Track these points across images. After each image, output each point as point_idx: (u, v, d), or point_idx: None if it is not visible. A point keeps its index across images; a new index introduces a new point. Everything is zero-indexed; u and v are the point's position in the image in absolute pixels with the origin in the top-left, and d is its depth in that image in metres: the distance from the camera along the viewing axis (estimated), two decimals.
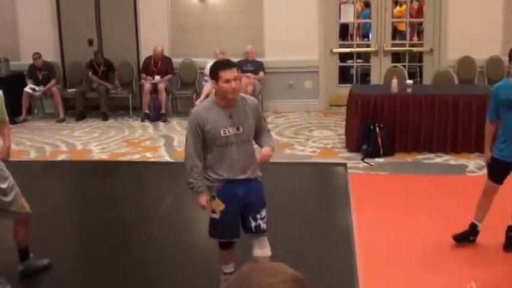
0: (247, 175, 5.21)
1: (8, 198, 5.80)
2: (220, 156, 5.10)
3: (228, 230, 5.32)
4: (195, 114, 5.13)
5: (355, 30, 14.90)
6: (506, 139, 6.23)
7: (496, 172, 6.38)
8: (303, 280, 1.90)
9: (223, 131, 5.02)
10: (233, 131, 5.05)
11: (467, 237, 6.51)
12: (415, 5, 15.22)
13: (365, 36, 15.45)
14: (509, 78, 6.34)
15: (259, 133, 5.32)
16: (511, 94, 6.17)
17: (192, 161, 5.13)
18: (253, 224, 5.25)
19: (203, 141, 5.09)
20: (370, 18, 14.84)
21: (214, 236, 5.45)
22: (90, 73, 13.67)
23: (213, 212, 5.27)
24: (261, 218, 5.26)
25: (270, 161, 5.30)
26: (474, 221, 6.49)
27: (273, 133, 10.56)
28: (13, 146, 6.13)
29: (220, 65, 5.06)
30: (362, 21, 15.26)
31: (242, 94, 5.29)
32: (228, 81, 4.93)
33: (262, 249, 5.31)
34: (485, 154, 6.55)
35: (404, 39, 14.59)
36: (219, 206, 5.21)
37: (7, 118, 5.99)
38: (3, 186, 5.74)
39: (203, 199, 5.19)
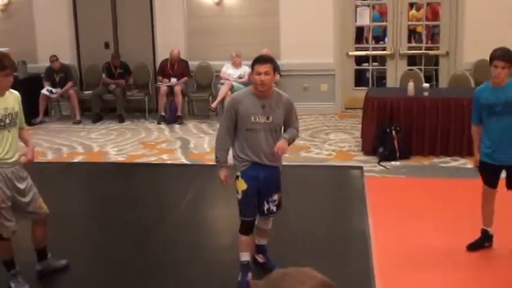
0: (271, 162, 5.72)
1: (26, 199, 5.83)
2: (249, 139, 5.65)
3: (248, 209, 5.79)
4: (233, 97, 5.96)
5: (370, 33, 14.89)
6: (492, 143, 6.21)
7: (487, 176, 6.38)
8: (332, 286, 1.89)
9: (254, 117, 5.57)
10: (263, 119, 5.59)
11: (482, 244, 6.48)
12: (431, 8, 15.17)
13: (376, 38, 15.43)
14: (490, 81, 6.29)
15: (286, 127, 5.82)
16: (490, 97, 6.15)
17: (222, 138, 5.78)
18: (265, 206, 5.82)
19: (235, 122, 5.66)
20: (380, 21, 14.85)
21: (241, 215, 5.84)
22: (103, 75, 13.73)
23: (237, 192, 5.78)
24: (273, 201, 5.84)
25: (285, 153, 5.84)
26: (484, 227, 6.49)
27: None
28: None
29: (257, 59, 5.67)
30: (378, 24, 15.24)
31: (279, 91, 5.83)
32: (258, 73, 5.52)
33: (265, 224, 6.03)
34: (474, 157, 6.57)
35: (420, 42, 14.55)
36: (242, 185, 5.71)
37: (24, 124, 6.03)
38: (22, 186, 5.76)
39: (223, 173, 5.81)
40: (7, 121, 5.55)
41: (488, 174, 6.33)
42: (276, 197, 5.86)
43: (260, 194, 5.79)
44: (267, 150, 5.64)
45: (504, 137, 6.12)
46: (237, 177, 5.76)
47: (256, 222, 5.91)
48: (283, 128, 5.82)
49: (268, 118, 5.60)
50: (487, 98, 6.17)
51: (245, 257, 5.88)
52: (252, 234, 5.92)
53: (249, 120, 5.59)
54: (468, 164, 9.46)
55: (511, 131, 6.09)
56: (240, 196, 5.76)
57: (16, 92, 5.79)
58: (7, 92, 5.65)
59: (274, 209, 5.88)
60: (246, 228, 5.83)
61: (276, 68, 5.78)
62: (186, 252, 6.79)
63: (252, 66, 5.65)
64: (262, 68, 5.52)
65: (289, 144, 5.77)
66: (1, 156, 5.54)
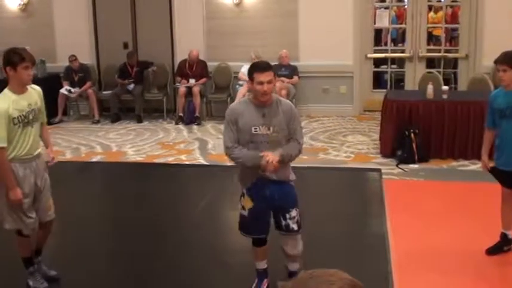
0: (278, 177, 5.35)
1: (42, 196, 5.86)
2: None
3: (254, 227, 5.51)
4: (231, 108, 5.40)
5: (389, 35, 14.86)
6: (502, 148, 6.23)
7: (503, 180, 6.37)
8: (360, 287, 1.90)
9: (255, 128, 5.21)
10: (264, 130, 5.22)
11: (501, 248, 6.45)
12: (450, 10, 15.13)
13: (394, 41, 15.40)
14: (503, 86, 6.28)
15: (288, 139, 5.38)
16: (502, 103, 6.16)
17: (229, 144, 5.28)
18: (283, 223, 5.44)
19: (237, 134, 5.26)
20: (398, 23, 14.83)
21: (243, 231, 5.63)
22: (116, 76, 13.79)
23: (242, 208, 5.52)
24: (290, 218, 5.43)
25: (272, 168, 5.18)
26: (503, 230, 6.46)
27: (307, 137, 10.62)
28: None
29: (256, 67, 5.24)
30: (397, 26, 15.22)
31: (278, 96, 5.47)
32: (260, 83, 5.11)
33: (292, 248, 5.58)
34: (482, 160, 6.53)
35: (439, 45, 14.51)
36: (248, 203, 5.44)
37: (45, 118, 6.06)
38: (39, 183, 5.80)
39: (264, 157, 5.16)
40: (30, 117, 5.59)
41: (504, 178, 6.32)
42: (294, 213, 5.43)
43: (275, 211, 5.45)
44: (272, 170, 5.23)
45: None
46: (243, 194, 5.49)
47: (281, 246, 5.56)
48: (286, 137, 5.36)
49: (269, 129, 5.21)
50: (500, 102, 6.20)
51: (261, 265, 5.73)
52: (266, 244, 5.65)
53: (250, 131, 5.21)
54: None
55: None
56: (245, 213, 5.49)
57: (38, 87, 5.83)
58: (29, 88, 5.69)
59: (295, 226, 5.45)
60: (258, 242, 5.63)
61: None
62: (203, 254, 6.79)
63: (251, 75, 5.19)
64: (264, 76, 5.10)
65: (284, 161, 5.28)
66: (25, 152, 5.59)
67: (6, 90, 5.55)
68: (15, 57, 5.47)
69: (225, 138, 5.34)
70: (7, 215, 5.69)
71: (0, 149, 5.43)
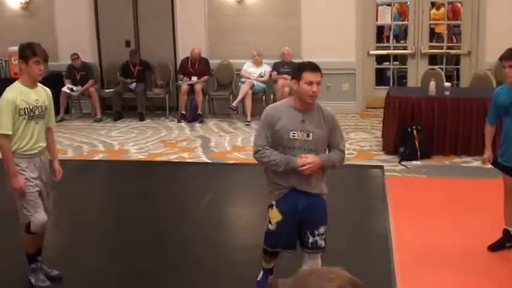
0: (311, 188, 5.00)
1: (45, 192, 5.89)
2: None
3: (281, 240, 5.13)
4: (268, 111, 5.07)
5: (392, 32, 14.84)
6: (506, 145, 6.24)
7: (505, 175, 6.38)
8: (359, 284, 1.91)
9: (293, 133, 4.88)
10: (302, 136, 4.88)
11: (503, 245, 6.46)
12: (451, 7, 15.10)
13: (396, 37, 15.39)
14: (507, 82, 6.27)
15: (330, 148, 5.09)
16: (506, 99, 6.17)
17: (260, 144, 4.94)
18: (310, 239, 5.04)
19: (271, 138, 4.94)
20: (399, 20, 14.81)
21: (268, 245, 5.24)
22: (118, 74, 13.78)
23: (269, 221, 5.11)
24: (319, 235, 5.06)
25: (309, 172, 4.88)
26: (506, 227, 6.46)
27: None
28: None
29: (306, 66, 4.93)
30: (399, 23, 15.20)
31: (320, 104, 5.06)
32: (310, 83, 4.81)
33: (313, 263, 5.08)
34: (484, 155, 6.55)
35: (442, 41, 14.49)
36: (276, 216, 5.03)
37: (54, 122, 6.08)
38: (44, 179, 5.82)
39: (303, 159, 4.85)
40: (37, 112, 5.65)
41: (507, 172, 6.32)
42: (322, 229, 5.08)
43: (302, 225, 5.03)
44: (308, 174, 4.91)
45: None
46: (271, 206, 5.06)
47: (303, 262, 5.13)
48: (327, 150, 5.09)
49: (308, 135, 4.87)
50: (503, 99, 6.20)
51: (268, 266, 5.51)
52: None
53: (287, 136, 4.86)
54: (489, 164, 9.41)
55: None
56: (273, 227, 5.07)
57: (48, 89, 5.90)
58: (39, 87, 5.76)
59: (323, 243, 5.09)
60: (271, 255, 5.36)
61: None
62: (205, 252, 6.78)
63: (299, 73, 4.87)
64: (315, 76, 4.81)
65: (326, 168, 5.06)
66: (28, 147, 5.63)
67: (16, 83, 5.68)
68: (28, 51, 5.58)
69: (256, 139, 5.00)
70: (20, 208, 5.71)
71: (4, 136, 5.49)
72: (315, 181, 5.00)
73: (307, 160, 4.83)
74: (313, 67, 4.87)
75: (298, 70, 4.93)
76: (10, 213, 6.10)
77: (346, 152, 9.69)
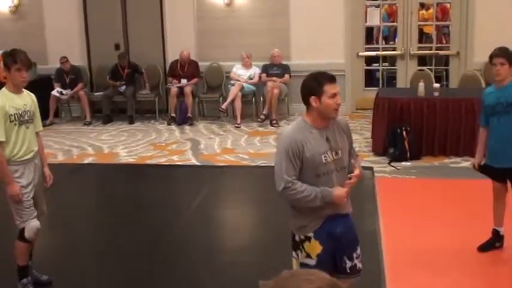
0: (345, 209, 4.52)
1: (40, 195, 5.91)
2: (321, 187, 4.33)
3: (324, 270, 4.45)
4: (290, 137, 4.34)
5: (380, 33, 14.87)
6: (493, 145, 6.27)
7: (493, 176, 6.40)
8: (339, 287, 1.92)
9: (325, 157, 4.31)
10: (332, 156, 4.35)
11: (493, 245, 6.47)
12: (439, 7, 15.14)
13: (386, 39, 15.42)
14: (496, 82, 6.30)
15: (350, 158, 4.58)
16: (493, 100, 6.19)
17: (288, 178, 4.26)
18: (348, 264, 4.56)
19: (299, 170, 4.32)
20: (389, 21, 14.85)
21: None
22: (107, 77, 13.76)
23: (307, 256, 4.46)
24: (357, 257, 4.61)
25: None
26: (495, 227, 6.48)
27: None
28: None
29: (325, 78, 4.32)
30: (388, 24, 15.23)
31: None
32: (333, 95, 4.26)
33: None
34: (473, 160, 6.62)
35: (431, 42, 14.53)
36: (316, 248, 4.44)
37: (41, 127, 6.07)
38: (37, 180, 5.83)
39: (340, 191, 4.33)
40: (26, 117, 5.66)
41: (495, 174, 6.35)
42: (359, 250, 4.62)
43: (337, 251, 4.51)
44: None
45: (501, 138, 6.16)
46: (308, 239, 4.42)
47: None
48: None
49: (337, 153, 4.37)
50: (490, 99, 6.22)
51: None
52: None
53: (321, 162, 4.30)
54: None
55: (508, 133, 6.10)
56: (313, 262, 4.43)
57: (33, 95, 5.91)
58: (25, 92, 5.77)
59: (360, 265, 4.63)
60: None
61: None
62: (196, 254, 6.81)
63: (320, 88, 4.27)
64: (336, 87, 4.29)
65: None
66: (22, 152, 5.64)
67: (3, 89, 5.68)
68: (9, 59, 5.59)
69: (281, 172, 4.29)
70: (14, 214, 5.72)
71: None
72: (348, 200, 4.53)
73: (359, 174, 4.47)
74: (331, 77, 4.32)
75: (317, 85, 4.29)
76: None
77: None
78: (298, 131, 4.34)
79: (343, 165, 4.42)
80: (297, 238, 4.50)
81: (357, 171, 4.46)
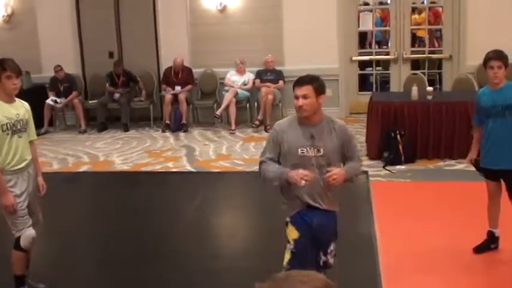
0: (325, 205, 4.92)
1: (35, 205, 5.90)
2: None
3: (300, 260, 4.80)
4: (277, 127, 4.97)
5: (373, 38, 14.92)
6: (488, 146, 6.29)
7: (486, 175, 6.43)
8: (333, 287, 1.94)
9: (301, 150, 4.75)
10: (313, 152, 4.76)
11: (488, 246, 6.49)
12: (433, 12, 15.19)
13: (379, 43, 15.47)
14: (489, 84, 6.32)
15: (347, 161, 4.96)
16: (488, 101, 6.21)
17: (261, 157, 4.93)
18: (322, 258, 4.94)
19: (279, 156, 4.87)
20: (382, 26, 14.90)
21: (291, 267, 4.81)
22: (107, 84, 13.76)
23: (288, 242, 4.89)
24: (330, 253, 4.97)
25: (337, 184, 4.78)
26: (490, 228, 6.50)
27: None
28: None
29: (295, 81, 4.87)
30: (381, 28, 15.27)
31: (331, 117, 4.98)
32: (295, 97, 4.76)
33: None
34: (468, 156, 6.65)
35: (424, 46, 14.57)
36: (293, 233, 4.85)
37: (35, 135, 6.06)
38: (31, 189, 5.83)
39: (294, 172, 4.68)
40: (18, 126, 5.63)
41: (489, 174, 6.39)
42: (332, 247, 4.98)
43: (314, 243, 4.90)
44: (321, 190, 4.83)
45: (495, 140, 6.18)
46: (287, 223, 4.91)
47: None
48: (338, 160, 4.91)
49: (319, 151, 4.75)
50: (486, 101, 6.23)
51: None
52: None
53: (296, 153, 4.75)
54: (473, 166, 9.47)
55: (502, 135, 6.12)
56: (292, 246, 4.85)
57: (26, 103, 5.87)
58: (17, 101, 5.75)
59: (332, 261, 4.98)
60: None
61: (319, 88, 4.93)
62: (192, 261, 6.79)
63: (293, 89, 4.85)
64: (300, 90, 4.73)
65: (347, 180, 4.91)
66: (15, 161, 5.61)
67: None
68: None
69: (262, 152, 4.99)
70: (9, 224, 5.71)
71: None
72: (330, 197, 4.92)
73: (338, 173, 4.72)
74: (300, 81, 4.81)
75: (292, 89, 4.90)
76: None
77: None
78: (284, 124, 4.94)
79: (324, 163, 4.76)
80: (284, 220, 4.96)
81: (335, 169, 4.73)
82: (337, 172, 4.71)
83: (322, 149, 4.75)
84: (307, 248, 4.86)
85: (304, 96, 4.72)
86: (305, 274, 1.96)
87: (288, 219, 4.90)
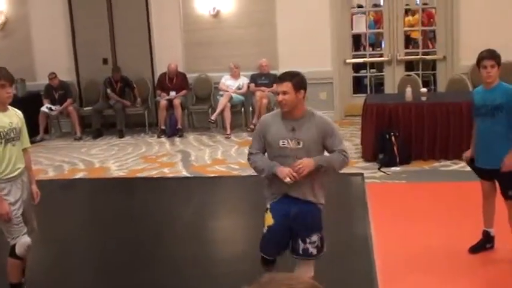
0: (302, 195, 5.12)
1: (29, 212, 5.91)
2: None
3: (272, 246, 5.29)
4: (262, 120, 5.41)
5: (367, 40, 14.94)
6: (479, 146, 6.33)
7: (479, 174, 6.46)
8: None
9: (282, 141, 5.06)
10: (293, 144, 5.04)
11: (483, 246, 6.50)
12: (426, 13, 15.22)
13: (372, 45, 15.50)
14: (485, 83, 6.33)
15: (329, 152, 5.17)
16: (479, 100, 6.23)
17: (251, 150, 5.27)
18: (301, 246, 5.15)
19: (264, 147, 5.22)
20: (376, 28, 14.92)
21: (261, 250, 5.36)
22: (108, 90, 13.75)
23: (263, 225, 5.25)
24: (311, 242, 5.14)
25: (304, 174, 4.94)
26: (485, 228, 6.51)
27: None
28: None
29: (277, 78, 5.36)
30: (375, 31, 15.29)
31: (313, 110, 5.23)
32: (277, 93, 5.13)
33: (304, 270, 5.10)
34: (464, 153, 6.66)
35: (417, 47, 14.60)
36: (268, 220, 5.18)
37: (29, 143, 6.05)
38: (25, 197, 5.82)
39: (283, 168, 4.99)
40: (12, 135, 5.62)
41: (481, 174, 6.40)
42: (315, 238, 5.14)
43: (293, 232, 5.15)
44: (301, 182, 5.00)
45: (484, 139, 6.21)
46: (266, 209, 5.21)
47: (296, 267, 5.19)
48: (317, 152, 5.11)
49: (298, 143, 5.01)
50: (477, 99, 6.27)
51: None
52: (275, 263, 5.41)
53: (277, 145, 5.05)
54: (468, 167, 9.47)
55: (490, 135, 6.14)
56: (265, 231, 5.22)
57: (19, 111, 5.86)
58: (10, 109, 5.74)
59: (314, 251, 5.15)
60: (267, 263, 5.36)
61: (298, 84, 5.17)
62: (188, 266, 6.80)
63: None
64: (280, 87, 5.06)
65: (324, 169, 5.07)
66: (9, 170, 5.60)
67: None
68: None
69: (251, 145, 5.32)
70: (5, 232, 5.71)
71: None
72: (307, 188, 5.12)
73: (305, 163, 4.95)
74: (279, 78, 5.23)
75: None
76: None
77: None
78: (270, 117, 5.31)
79: (303, 156, 4.99)
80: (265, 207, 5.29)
81: (304, 160, 4.96)
82: (303, 162, 4.95)
83: (301, 142, 5.03)
84: (280, 235, 5.18)
85: (284, 92, 5.04)
86: (291, 277, 1.93)
87: (268, 206, 5.22)
